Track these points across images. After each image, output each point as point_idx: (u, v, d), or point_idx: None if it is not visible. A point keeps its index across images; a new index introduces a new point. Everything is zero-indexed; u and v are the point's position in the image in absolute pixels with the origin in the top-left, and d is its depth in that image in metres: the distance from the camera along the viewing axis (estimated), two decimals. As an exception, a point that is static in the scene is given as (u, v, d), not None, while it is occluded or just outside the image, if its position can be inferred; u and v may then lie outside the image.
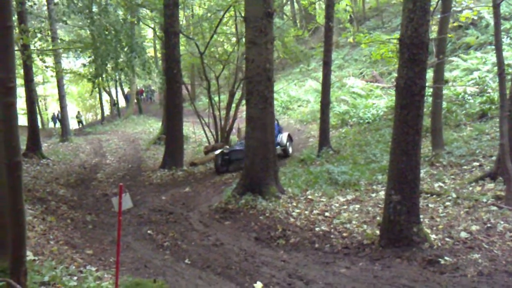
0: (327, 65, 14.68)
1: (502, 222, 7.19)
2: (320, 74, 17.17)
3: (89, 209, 10.76)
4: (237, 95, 18.69)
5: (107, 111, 43.58)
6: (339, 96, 20.91)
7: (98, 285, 4.86)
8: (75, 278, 5.18)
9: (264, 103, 10.30)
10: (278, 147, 14.20)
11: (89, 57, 16.14)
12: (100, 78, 16.01)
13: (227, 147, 14.97)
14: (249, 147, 10.48)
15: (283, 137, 15.03)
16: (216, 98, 18.34)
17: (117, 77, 17.15)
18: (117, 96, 40.96)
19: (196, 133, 21.80)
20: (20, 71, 20.31)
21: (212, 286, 5.88)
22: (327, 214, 8.80)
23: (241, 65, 17.52)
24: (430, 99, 12.36)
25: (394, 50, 13.94)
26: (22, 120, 25.84)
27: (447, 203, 8.48)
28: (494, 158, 9.82)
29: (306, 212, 9.04)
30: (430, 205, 8.52)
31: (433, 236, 6.95)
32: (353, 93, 20.99)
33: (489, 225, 7.19)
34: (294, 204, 9.57)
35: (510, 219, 7.30)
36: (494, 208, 7.84)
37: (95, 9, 14.93)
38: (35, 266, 5.48)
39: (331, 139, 15.04)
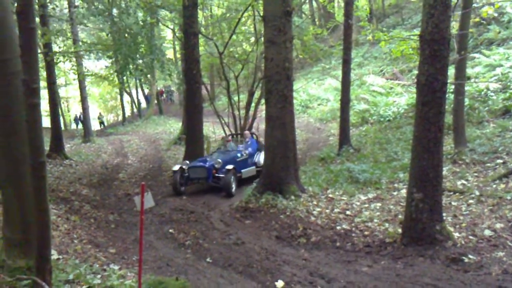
0: (346, 63, 14.60)
1: (527, 220, 7.07)
2: (339, 73, 17.09)
3: (111, 208, 10.89)
4: (256, 94, 18.70)
5: (128, 112, 44.02)
6: (359, 94, 20.75)
7: (121, 283, 4.92)
8: (99, 276, 5.25)
9: (283, 102, 10.28)
10: (254, 167, 13.26)
11: (109, 58, 16.31)
12: (121, 79, 16.18)
13: (187, 162, 12.71)
14: (269, 146, 10.48)
15: (260, 157, 13.11)
16: (236, 98, 18.38)
17: (137, 78, 17.29)
18: (137, 97, 41.36)
19: (216, 133, 21.87)
20: (43, 73, 20.64)
21: (233, 285, 5.89)
22: (348, 212, 8.76)
23: (260, 64, 17.52)
24: (452, 96, 12.18)
25: (414, 47, 13.78)
26: (45, 121, 26.26)
27: (470, 201, 8.36)
28: (518, 155, 9.65)
29: (327, 210, 9.00)
30: (453, 203, 8.41)
31: (456, 234, 6.86)
32: (373, 91, 20.80)
33: (514, 223, 7.07)
34: (315, 202, 9.54)
35: (535, 217, 7.16)
36: (519, 205, 7.70)
37: (115, 11, 15.11)
38: (60, 264, 5.57)
39: (351, 138, 14.94)
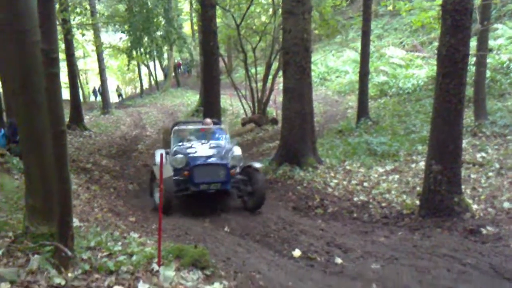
0: (366, 34, 14.37)
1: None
2: (358, 44, 16.81)
3: (130, 178, 11.04)
4: (274, 66, 18.57)
5: (146, 85, 44.14)
6: (378, 67, 20.46)
7: (141, 250, 5.00)
8: (119, 243, 5.34)
9: (301, 74, 10.20)
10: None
11: (127, 31, 16.30)
12: (136, 52, 16.19)
13: (180, 156, 8.24)
14: (286, 118, 10.45)
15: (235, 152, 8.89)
16: (253, 70, 18.28)
17: (154, 51, 17.25)
18: (155, 70, 41.38)
19: (233, 106, 21.87)
20: (61, 45, 20.75)
21: (251, 253, 5.97)
22: (365, 184, 8.75)
23: (278, 36, 17.33)
24: (473, 68, 11.95)
25: (436, 17, 13.49)
26: (65, 94, 26.52)
27: (490, 174, 8.28)
28: (540, 128, 9.49)
29: (344, 182, 9.01)
30: (472, 176, 8.34)
31: (475, 207, 6.82)
32: (392, 63, 20.50)
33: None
34: (332, 174, 9.54)
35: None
36: (540, 178, 7.62)
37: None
38: (81, 232, 5.69)
39: (369, 110, 14.82)
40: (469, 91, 11.74)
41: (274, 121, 17.24)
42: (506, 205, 6.81)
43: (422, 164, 8.97)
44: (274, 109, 18.41)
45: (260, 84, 18.02)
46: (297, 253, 5.86)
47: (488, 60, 13.24)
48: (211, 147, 8.74)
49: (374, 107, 16.35)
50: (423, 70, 18.27)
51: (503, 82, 13.95)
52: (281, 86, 11.66)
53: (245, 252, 5.98)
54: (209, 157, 8.22)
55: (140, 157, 13.88)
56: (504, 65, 14.69)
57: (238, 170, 8.42)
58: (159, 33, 15.68)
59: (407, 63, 19.93)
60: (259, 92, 17.92)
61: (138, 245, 5.30)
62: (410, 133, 11.96)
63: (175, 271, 4.53)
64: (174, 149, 8.85)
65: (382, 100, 17.50)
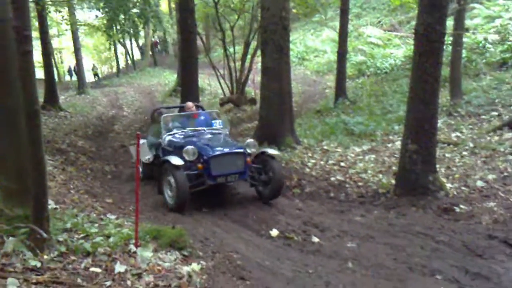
0: (344, 13, 14.33)
1: (520, 171, 7.16)
2: (337, 24, 16.78)
3: (107, 159, 10.93)
4: (253, 45, 18.44)
5: (122, 64, 43.48)
6: (356, 46, 20.50)
7: (118, 231, 4.98)
8: (96, 225, 5.30)
9: (279, 53, 10.16)
10: None
11: (102, 8, 15.95)
12: (113, 30, 15.89)
13: (191, 147, 7.12)
14: (264, 98, 10.43)
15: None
16: (231, 49, 18.12)
17: (130, 29, 16.94)
18: (131, 48, 40.74)
19: (211, 85, 21.72)
20: (34, 23, 20.21)
21: (229, 234, 6.00)
22: (342, 164, 8.83)
23: (256, 14, 17.17)
24: (449, 48, 12.05)
25: (414, -3, 13.53)
26: (39, 73, 25.96)
27: (464, 153, 8.43)
28: (514, 107, 9.66)
29: (322, 162, 9.07)
30: (447, 155, 8.48)
31: (449, 185, 6.95)
32: (370, 42, 20.57)
33: (506, 174, 7.18)
34: (310, 154, 9.59)
35: (528, 168, 7.25)
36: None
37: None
38: (57, 213, 5.62)
39: (347, 90, 14.87)
40: (445, 70, 11.82)
41: (252, 101, 17.19)
42: (479, 183, 6.95)
43: (398, 144, 9.07)
44: (253, 89, 18.34)
45: (238, 64, 17.89)
46: (274, 232, 5.91)
47: (464, 40, 13.35)
48: (213, 134, 8.00)
49: (352, 87, 16.42)
50: (400, 49, 18.38)
51: (478, 62, 14.12)
52: (259, 65, 11.60)
53: (223, 232, 6.01)
54: (221, 146, 7.32)
55: (117, 138, 13.73)
56: (480, 45, 14.85)
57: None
58: (135, 10, 15.39)
59: (385, 43, 20.02)
60: (237, 72, 17.81)
61: (115, 227, 5.28)
62: (387, 113, 12.07)
63: (152, 252, 4.52)
64: (168, 138, 7.98)
65: (360, 80, 17.57)
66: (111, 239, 4.64)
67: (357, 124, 10.94)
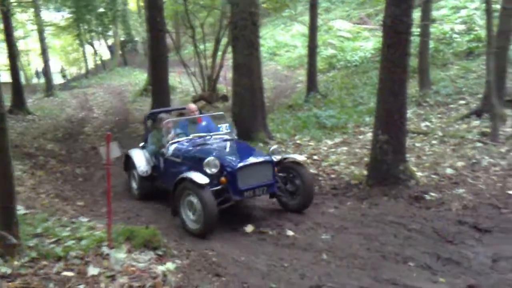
0: (313, 8, 14.41)
1: (487, 158, 7.33)
2: (307, 18, 16.85)
3: (78, 162, 10.75)
4: (223, 42, 18.38)
5: (91, 64, 42.79)
6: (326, 40, 20.63)
7: (91, 234, 4.91)
8: (68, 228, 5.22)
9: (250, 49, 10.15)
10: None
11: (68, 7, 15.66)
12: (80, 29, 15.63)
13: (212, 158, 6.10)
14: (236, 94, 10.41)
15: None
16: (202, 47, 18.02)
17: (98, 28, 16.70)
18: (100, 49, 40.12)
19: (182, 83, 21.56)
20: (-1, 25, 19.72)
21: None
22: (315, 157, 8.87)
23: (226, 10, 17.11)
24: (417, 39, 12.23)
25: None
26: (5, 76, 25.33)
27: (434, 142, 8.58)
28: (480, 95, 9.86)
29: (295, 156, 9.09)
30: (417, 144, 8.61)
31: (419, 174, 7.07)
32: (340, 36, 20.73)
33: (474, 161, 7.33)
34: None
35: (494, 154, 7.43)
36: (480, 144, 7.97)
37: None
38: (28, 218, 5.51)
39: (318, 84, 14.95)
40: (414, 61, 12.02)
41: (224, 98, 17.15)
42: (449, 171, 7.09)
43: (369, 135, 9.16)
44: (225, 86, 18.29)
45: (209, 61, 17.81)
46: (249, 228, 5.91)
47: (432, 31, 13.57)
48: (226, 141, 7.03)
49: (323, 81, 16.52)
50: (370, 42, 18.58)
51: (445, 52, 14.38)
52: (231, 62, 11.56)
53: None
54: (244, 155, 6.34)
55: (87, 140, 13.52)
56: (447, 35, 15.13)
57: None
58: (102, 9, 15.18)
59: (355, 36, 20.22)
60: (208, 69, 17.72)
61: (88, 229, 5.20)
62: (358, 105, 12.19)
63: (126, 253, 4.48)
64: (173, 147, 7.02)
65: (330, 73, 17.70)
66: (83, 242, 4.57)
67: (329, 118, 11.02)
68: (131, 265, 4.25)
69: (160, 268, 4.24)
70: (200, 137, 7.23)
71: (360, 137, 9.72)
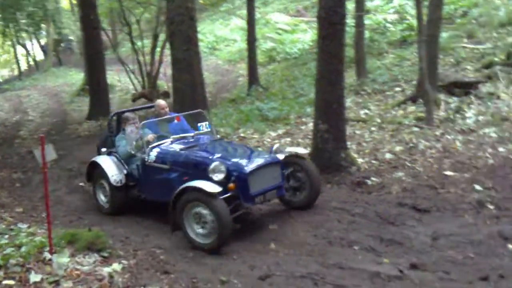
0: (251, 1, 14.42)
1: (423, 141, 7.65)
2: (245, 12, 16.87)
3: (14, 167, 10.29)
4: (162, 38, 18.08)
5: (24, 66, 40.99)
6: (265, 33, 20.72)
7: (31, 240, 4.73)
8: (6, 236, 5.01)
9: (188, 44, 10.07)
10: None
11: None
12: (9, 29, 14.95)
13: (216, 163, 5.45)
14: (177, 90, 10.31)
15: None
16: (140, 43, 17.66)
17: (29, 27, 16.03)
18: (33, 49, 38.49)
19: (121, 81, 21.06)
20: None
21: (150, 230, 5.90)
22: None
23: (162, 6, 16.83)
24: (353, 30, 12.52)
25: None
26: None
27: (373, 128, 8.84)
28: (414, 82, 10.23)
29: (239, 149, 9.12)
30: (357, 132, 8.84)
31: (360, 160, 7.27)
32: (278, 29, 20.89)
33: (411, 145, 7.63)
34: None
35: (430, 138, 7.76)
36: (416, 129, 8.29)
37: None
38: (-39, 229, 5.25)
39: (260, 77, 15.01)
40: (350, 51, 12.30)
41: (165, 94, 16.87)
42: (388, 156, 7.34)
43: (311, 125, 9.31)
44: (165, 82, 18.03)
45: (148, 57, 17.48)
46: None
47: (366, 21, 13.93)
48: (215, 141, 6.51)
49: (264, 74, 16.60)
50: (307, 34, 18.84)
51: (380, 41, 14.81)
52: (170, 58, 11.40)
53: (144, 230, 5.91)
54: (247, 156, 5.81)
55: (23, 144, 12.95)
56: (381, 25, 15.60)
57: None
58: (31, 8, 14.57)
59: (293, 28, 20.43)
60: (148, 66, 17.40)
61: (27, 236, 5.01)
62: (298, 96, 12.34)
63: (69, 257, 4.35)
64: (156, 152, 6.14)
65: (271, 66, 17.82)
66: (23, 249, 4.40)
67: (271, 110, 11.11)
68: (75, 268, 4.14)
69: (106, 270, 4.15)
70: (181, 138, 6.43)
71: (302, 127, 9.86)
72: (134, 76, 17.55)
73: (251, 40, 14.33)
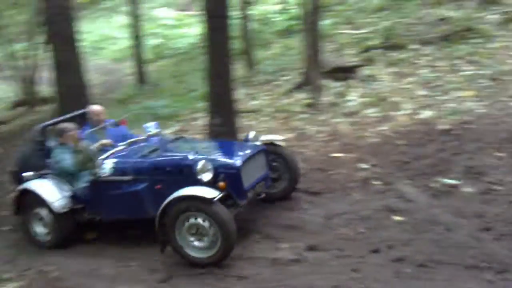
0: (133, -3, 14.02)
1: (312, 127, 7.93)
2: (128, 8, 16.32)
3: None
4: (39, 40, 16.93)
5: None
6: (151, 29, 20.25)
7: None
8: None
9: (68, 45, 9.50)
10: None
11: None
12: None
13: (203, 161, 4.89)
14: (59, 94, 9.72)
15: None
16: (15, 47, 16.42)
17: None
18: None
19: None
20: None
21: (41, 246, 5.54)
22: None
23: (39, 6, 15.74)
24: (239, 22, 12.62)
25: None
26: None
27: (264, 118, 9.01)
28: (300, 70, 10.55)
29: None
30: (250, 123, 8.95)
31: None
32: (164, 24, 20.56)
33: (300, 131, 7.89)
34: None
35: (318, 123, 8.10)
36: (305, 115, 8.57)
37: None
38: None
39: (148, 75, 14.69)
40: (238, 44, 12.40)
41: (47, 100, 15.86)
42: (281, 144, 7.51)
43: (204, 120, 9.30)
44: (46, 87, 16.94)
45: (26, 62, 16.29)
46: (91, 235, 5.61)
47: (251, 13, 14.13)
48: (177, 140, 6.06)
49: (153, 71, 16.21)
50: (194, 28, 18.70)
51: (266, 32, 15.12)
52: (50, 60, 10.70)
53: (35, 246, 5.53)
54: (227, 150, 5.51)
55: None
56: (266, 16, 15.94)
57: None
58: None
59: (179, 23, 20.21)
60: (26, 71, 16.21)
61: None
62: (190, 92, 12.24)
63: None
64: (110, 162, 5.38)
65: (159, 62, 17.50)
66: None
67: (163, 108, 10.91)
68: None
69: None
70: (133, 144, 5.86)
71: (196, 123, 9.80)
72: (11, 82, 16.32)
73: (137, 37, 13.96)
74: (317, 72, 9.18)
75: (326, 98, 9.03)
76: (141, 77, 14.02)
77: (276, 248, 4.60)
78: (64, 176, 5.65)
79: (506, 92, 7.18)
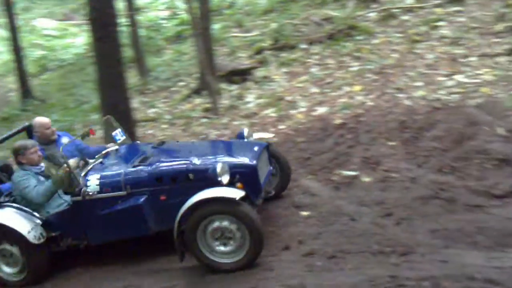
0: (9, 8, 13.11)
1: (213, 131, 7.94)
2: (4, 20, 15.20)
3: None
4: None
5: None
6: (32, 41, 19.04)
7: None
8: None
9: None
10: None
11: None
12: None
13: (221, 164, 4.51)
14: None
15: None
16: None
17: None
18: None
19: None
20: None
21: None
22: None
23: None
24: (128, 29, 12.28)
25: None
26: None
27: (164, 126, 8.86)
28: (195, 75, 10.50)
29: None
30: (149, 132, 8.76)
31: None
32: (46, 35, 19.43)
33: (203, 136, 7.84)
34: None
35: (219, 126, 8.13)
36: (205, 119, 8.56)
37: None
38: None
39: (33, 89, 13.80)
40: (129, 51, 12.06)
41: None
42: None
43: (101, 132, 8.91)
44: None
45: None
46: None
47: (140, 19, 13.81)
48: (157, 147, 5.32)
49: (38, 85, 15.25)
50: (80, 38, 17.91)
51: (157, 38, 14.86)
52: None
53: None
54: (229, 149, 5.21)
55: None
56: (155, 22, 15.67)
57: None
58: None
59: (62, 33, 19.25)
60: None
61: None
62: (81, 104, 11.72)
63: None
64: (95, 178, 4.70)
65: (44, 75, 16.51)
66: None
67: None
68: None
69: None
70: (107, 155, 5.21)
71: (93, 136, 9.36)
72: None
73: (17, 50, 13.07)
74: (213, 76, 9.19)
75: (224, 102, 9.07)
76: (26, 92, 13.13)
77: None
78: (29, 202, 4.79)
79: (391, 84, 7.68)
